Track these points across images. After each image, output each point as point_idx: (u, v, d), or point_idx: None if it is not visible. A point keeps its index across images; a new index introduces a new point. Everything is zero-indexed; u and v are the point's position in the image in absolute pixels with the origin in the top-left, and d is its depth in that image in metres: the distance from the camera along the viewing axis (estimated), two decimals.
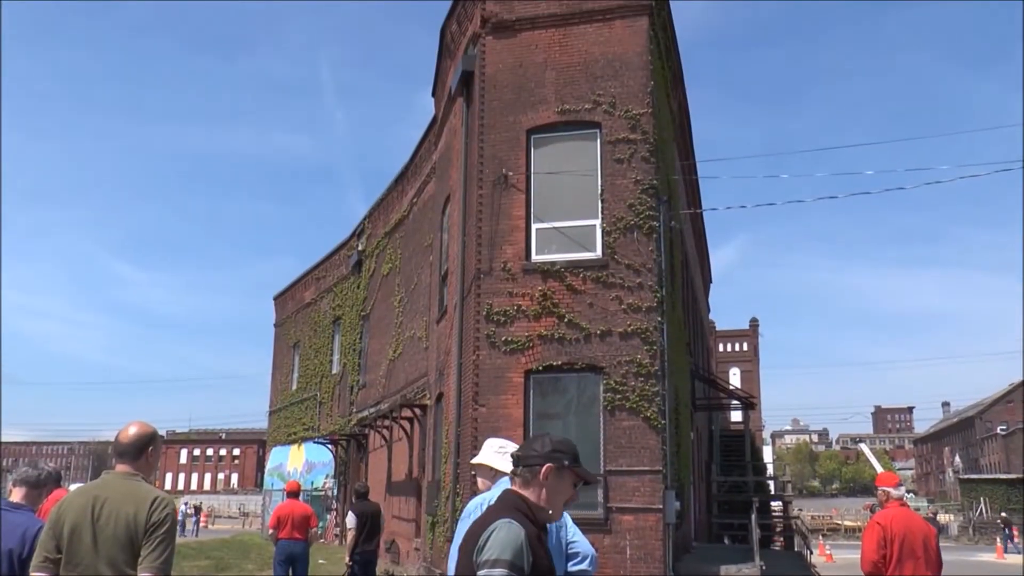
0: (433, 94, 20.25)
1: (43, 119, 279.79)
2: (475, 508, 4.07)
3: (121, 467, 4.08)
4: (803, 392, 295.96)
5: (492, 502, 4.10)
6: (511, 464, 4.37)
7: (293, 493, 12.71)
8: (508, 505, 3.11)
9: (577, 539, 4.24)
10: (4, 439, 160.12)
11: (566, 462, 3.16)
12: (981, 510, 57.89)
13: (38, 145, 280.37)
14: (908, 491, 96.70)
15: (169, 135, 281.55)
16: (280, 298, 40.89)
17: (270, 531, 12.36)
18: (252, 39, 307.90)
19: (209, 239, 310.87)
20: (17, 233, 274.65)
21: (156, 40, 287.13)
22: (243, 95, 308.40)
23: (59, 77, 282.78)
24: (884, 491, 7.00)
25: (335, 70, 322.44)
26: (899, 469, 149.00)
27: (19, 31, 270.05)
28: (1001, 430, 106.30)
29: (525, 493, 3.15)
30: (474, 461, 4.47)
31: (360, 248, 29.70)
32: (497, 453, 4.40)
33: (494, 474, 4.35)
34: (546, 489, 3.14)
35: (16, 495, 4.91)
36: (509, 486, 4.23)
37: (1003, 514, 50.18)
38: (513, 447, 4.46)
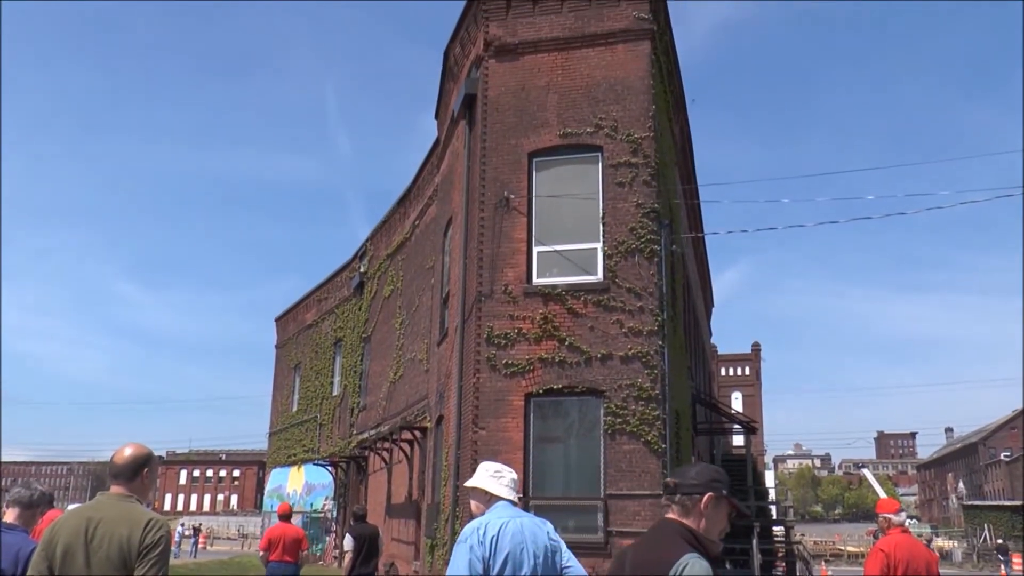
0: (436, 116, 20.33)
1: (49, 140, 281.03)
2: (471, 532, 4.03)
3: (116, 488, 4.06)
4: (805, 417, 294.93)
5: (489, 524, 4.07)
6: (510, 490, 4.36)
7: (285, 515, 12.65)
8: (676, 535, 2.98)
9: (572, 564, 4.22)
10: (3, 459, 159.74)
11: (724, 491, 3.06)
12: (985, 537, 57.50)
13: (44, 165, 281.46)
14: (911, 517, 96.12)
15: (173, 156, 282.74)
16: (282, 319, 40.89)
17: (261, 553, 12.30)
18: (258, 62, 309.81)
19: (212, 260, 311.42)
20: (20, 254, 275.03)
21: (163, 62, 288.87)
22: (248, 118, 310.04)
23: (66, 98, 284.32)
24: (885, 518, 6.95)
25: (339, 92, 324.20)
26: (902, 495, 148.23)
27: (28, 51, 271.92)
28: (1005, 456, 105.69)
29: (686, 522, 3.03)
30: (468, 484, 4.44)
31: (362, 270, 29.71)
32: (492, 477, 4.37)
33: (488, 498, 4.32)
34: (705, 519, 3.03)
35: (10, 515, 4.89)
36: (503, 510, 4.21)
37: (999, 541, 49.84)
38: (508, 471, 4.43)
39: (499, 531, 4.02)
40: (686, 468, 3.16)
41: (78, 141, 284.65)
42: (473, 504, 4.39)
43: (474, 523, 4.13)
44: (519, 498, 4.42)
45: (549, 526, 4.27)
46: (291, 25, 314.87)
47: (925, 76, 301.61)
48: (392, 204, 26.70)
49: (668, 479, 3.15)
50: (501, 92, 15.34)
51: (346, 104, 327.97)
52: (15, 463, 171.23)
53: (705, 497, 3.01)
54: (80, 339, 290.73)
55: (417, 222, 23.42)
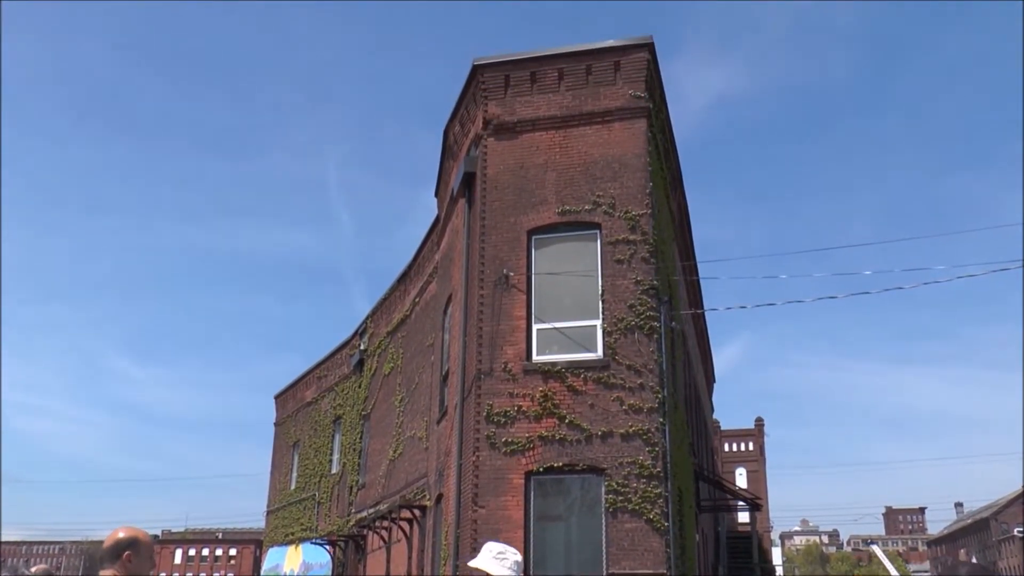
0: (436, 194, 20.56)
1: (47, 215, 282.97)
2: None
3: (104, 572, 4.06)
4: (812, 492, 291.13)
5: None
6: (513, 572, 4.29)
7: None
8: None
9: None
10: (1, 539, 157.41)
11: None
12: None
13: (44, 242, 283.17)
14: None
15: (171, 232, 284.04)
16: (281, 397, 40.72)
17: None
18: (258, 138, 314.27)
19: (211, 337, 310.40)
20: (18, 330, 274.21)
21: (162, 138, 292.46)
22: (248, 193, 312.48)
23: (64, 172, 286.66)
24: None
25: (341, 169, 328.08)
26: (914, 572, 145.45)
27: (29, 126, 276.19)
28: (1018, 532, 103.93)
29: None
30: (471, 564, 4.38)
31: (362, 347, 29.68)
32: (495, 559, 4.32)
33: None
34: None
35: None
36: None
37: None
38: (512, 552, 4.37)
39: None
40: (954, 567, 3.31)
41: (75, 216, 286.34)
42: None
43: None
44: None
45: None
46: (292, 101, 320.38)
47: (920, 148, 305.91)
48: (393, 281, 26.81)
49: None
50: (500, 170, 15.54)
51: (348, 180, 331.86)
52: (8, 543, 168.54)
53: None
54: (76, 416, 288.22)
55: (417, 299, 23.48)
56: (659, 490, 13.16)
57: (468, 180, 16.26)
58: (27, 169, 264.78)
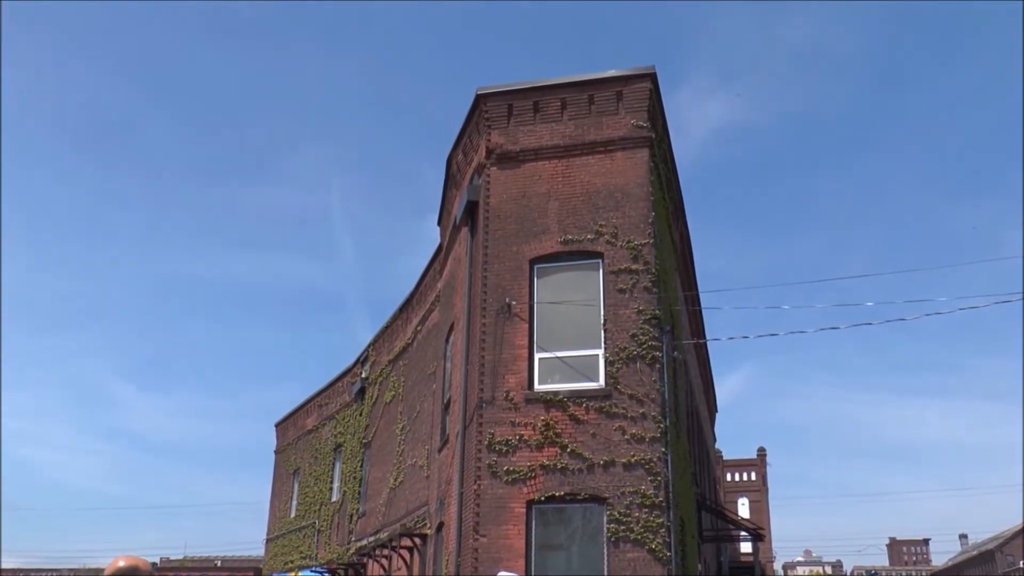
0: (439, 223, 20.62)
1: (51, 245, 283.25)
2: None
3: None
4: (815, 523, 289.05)
5: None
6: None
7: None
8: None
9: None
10: None
11: None
12: None
13: (45, 271, 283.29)
14: None
15: (175, 261, 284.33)
16: (281, 425, 40.64)
17: None
18: (261, 168, 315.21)
19: (212, 365, 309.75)
20: (18, 359, 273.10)
21: (167, 166, 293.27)
22: (250, 222, 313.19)
23: (67, 197, 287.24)
24: None
25: (344, 198, 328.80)
26: None
27: (33, 152, 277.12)
28: None
29: None
30: None
31: (363, 375, 29.65)
32: None
33: None
34: None
35: None
36: None
37: None
38: None
39: None
40: None
41: (77, 245, 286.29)
42: None
43: None
44: None
45: None
46: (295, 131, 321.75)
47: (921, 179, 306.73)
48: (395, 310, 26.83)
49: None
50: (503, 199, 15.60)
51: (350, 210, 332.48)
52: (7, 571, 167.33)
53: None
54: (76, 444, 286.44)
55: (419, 328, 23.49)
56: (661, 520, 13.10)
57: (471, 209, 16.31)
58: (28, 196, 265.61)
